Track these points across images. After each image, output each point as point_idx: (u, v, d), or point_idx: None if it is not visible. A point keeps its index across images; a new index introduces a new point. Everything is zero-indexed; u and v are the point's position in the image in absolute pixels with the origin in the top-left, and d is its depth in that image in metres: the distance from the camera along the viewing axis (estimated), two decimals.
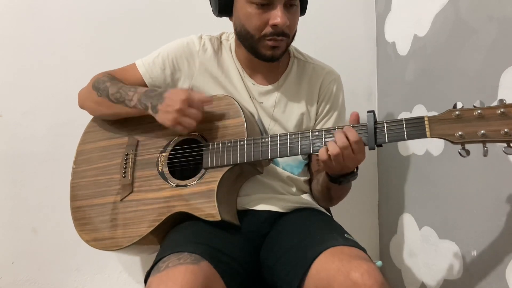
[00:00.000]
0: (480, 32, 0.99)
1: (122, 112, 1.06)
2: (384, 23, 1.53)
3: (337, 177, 0.95)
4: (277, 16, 0.96)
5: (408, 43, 1.34)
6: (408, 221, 1.35)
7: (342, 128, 0.89)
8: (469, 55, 1.03)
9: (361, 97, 1.59)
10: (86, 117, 1.16)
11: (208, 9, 1.08)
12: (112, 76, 1.10)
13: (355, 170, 0.94)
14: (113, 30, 1.49)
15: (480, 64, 0.99)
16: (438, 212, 1.18)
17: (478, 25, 1.00)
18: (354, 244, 0.87)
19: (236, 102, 1.02)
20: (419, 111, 1.26)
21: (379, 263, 1.04)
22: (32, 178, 1.44)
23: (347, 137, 0.86)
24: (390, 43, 1.48)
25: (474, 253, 1.02)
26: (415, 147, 1.30)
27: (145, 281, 0.83)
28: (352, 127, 0.88)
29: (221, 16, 1.05)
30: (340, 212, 1.24)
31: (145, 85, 1.10)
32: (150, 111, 0.99)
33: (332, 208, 1.22)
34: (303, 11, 1.06)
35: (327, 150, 0.88)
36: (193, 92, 1.00)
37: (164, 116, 0.97)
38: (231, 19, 1.06)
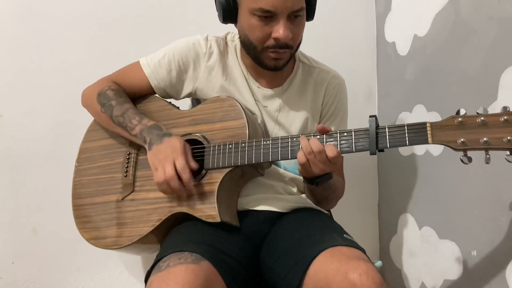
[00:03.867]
0: (480, 32, 0.99)
1: (122, 135, 1.07)
2: (384, 23, 1.53)
3: (312, 178, 0.95)
4: (279, 29, 0.94)
5: (408, 43, 1.34)
6: (408, 221, 1.35)
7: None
8: (469, 55, 1.03)
9: (361, 97, 1.59)
10: (86, 118, 1.16)
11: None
12: (117, 90, 1.09)
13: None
14: (113, 30, 1.49)
15: (480, 64, 0.99)
16: (438, 212, 1.18)
17: (478, 25, 1.00)
18: (353, 245, 0.87)
19: (238, 104, 1.01)
20: (419, 111, 1.26)
21: (379, 263, 1.05)
22: (32, 178, 1.43)
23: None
24: (390, 43, 1.48)
25: (474, 253, 1.02)
26: (415, 147, 1.31)
27: (146, 280, 0.83)
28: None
29: (226, 23, 1.05)
30: (340, 212, 1.24)
31: (150, 87, 1.10)
32: (146, 145, 1.00)
33: (332, 208, 1.22)
34: (311, 17, 1.04)
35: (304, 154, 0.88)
36: (185, 164, 0.95)
37: (153, 159, 0.97)
38: (236, 26, 1.05)
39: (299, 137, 0.92)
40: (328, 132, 0.90)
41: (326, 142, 0.90)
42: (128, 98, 1.09)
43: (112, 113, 1.05)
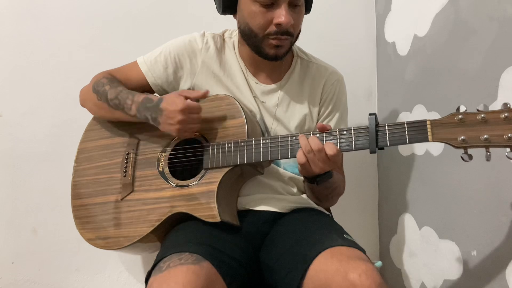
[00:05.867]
0: (480, 32, 0.99)
1: (124, 118, 1.06)
2: (384, 23, 1.53)
3: (312, 178, 0.95)
4: (281, 15, 0.95)
5: (408, 43, 1.34)
6: (408, 221, 1.35)
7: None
8: (469, 55, 1.03)
9: (361, 97, 1.59)
10: (86, 118, 1.16)
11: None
12: (112, 78, 1.09)
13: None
14: (113, 29, 1.49)
15: (480, 64, 0.99)
16: (438, 212, 1.18)
17: (478, 25, 1.00)
18: (353, 245, 0.87)
19: (237, 102, 1.01)
20: (419, 111, 1.26)
21: (379, 263, 1.05)
22: (32, 178, 1.43)
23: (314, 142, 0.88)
24: (390, 43, 1.48)
25: (474, 253, 1.02)
26: (415, 147, 1.31)
27: (146, 281, 0.83)
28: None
29: (225, 14, 1.05)
30: (340, 212, 1.24)
31: (147, 84, 1.10)
32: (152, 123, 1.00)
33: (332, 208, 1.22)
34: (308, 9, 1.06)
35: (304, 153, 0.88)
36: (188, 93, 1.01)
37: (168, 128, 0.97)
38: (235, 17, 1.06)
39: (298, 135, 0.92)
40: (328, 130, 0.90)
41: (325, 140, 0.90)
42: (121, 84, 1.08)
43: (107, 97, 1.04)
